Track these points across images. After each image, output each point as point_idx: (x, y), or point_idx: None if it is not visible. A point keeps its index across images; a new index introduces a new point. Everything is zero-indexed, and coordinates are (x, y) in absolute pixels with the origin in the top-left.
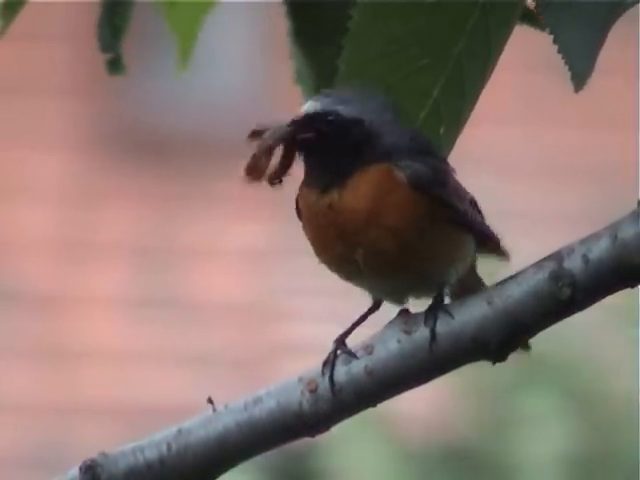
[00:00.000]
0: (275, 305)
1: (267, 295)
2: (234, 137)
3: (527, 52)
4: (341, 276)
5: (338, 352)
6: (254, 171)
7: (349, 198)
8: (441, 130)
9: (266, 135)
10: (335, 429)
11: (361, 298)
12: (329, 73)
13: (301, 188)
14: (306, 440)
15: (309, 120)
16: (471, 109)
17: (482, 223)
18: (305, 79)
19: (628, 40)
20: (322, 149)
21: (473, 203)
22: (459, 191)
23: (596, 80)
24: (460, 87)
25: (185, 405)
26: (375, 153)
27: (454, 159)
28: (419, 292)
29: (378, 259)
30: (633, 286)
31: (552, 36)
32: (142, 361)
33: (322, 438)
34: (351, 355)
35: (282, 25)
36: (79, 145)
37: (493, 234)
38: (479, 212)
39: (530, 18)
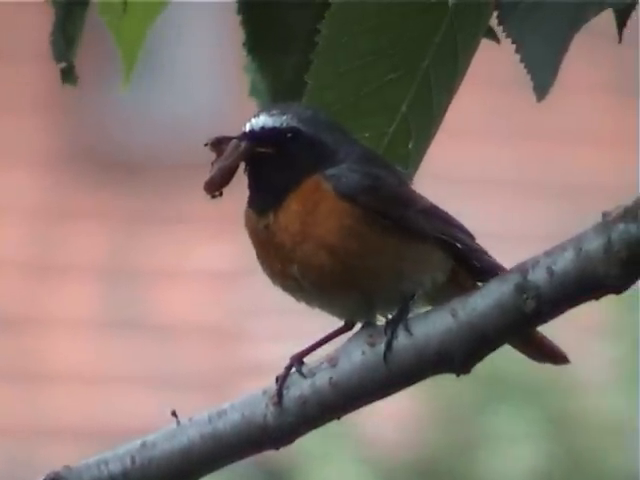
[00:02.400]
0: (241, 325)
1: (233, 315)
2: (201, 156)
3: (492, 68)
4: (286, 292)
5: (292, 369)
6: (216, 185)
7: (282, 219)
8: (410, 144)
9: (229, 149)
10: (309, 448)
11: (327, 318)
12: (284, 85)
13: (247, 207)
14: (282, 459)
15: (270, 134)
16: (439, 123)
17: (446, 232)
18: (260, 91)
19: (592, 57)
20: (277, 164)
21: (429, 212)
22: (402, 198)
23: (561, 96)
24: (428, 101)
25: (151, 426)
26: (317, 168)
27: (419, 174)
28: (377, 308)
29: (314, 274)
30: (598, 298)
31: (514, 46)
32: (107, 382)
33: (296, 457)
34: (302, 375)
35: None
36: (47, 163)
37: (465, 243)
38: (446, 223)
39: (487, 31)
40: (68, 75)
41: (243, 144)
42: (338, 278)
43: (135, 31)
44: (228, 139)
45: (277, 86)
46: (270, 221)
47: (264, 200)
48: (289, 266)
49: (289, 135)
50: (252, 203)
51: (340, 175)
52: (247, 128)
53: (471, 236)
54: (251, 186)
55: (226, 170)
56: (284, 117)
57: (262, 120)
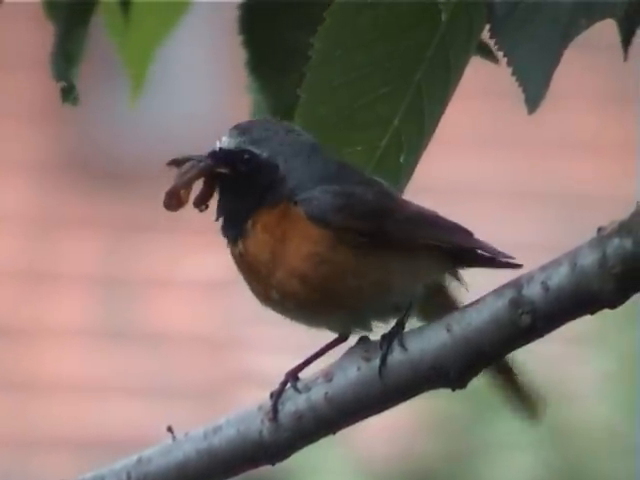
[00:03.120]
0: (234, 335)
1: (226, 325)
2: None
3: (488, 78)
4: (275, 312)
5: (287, 385)
6: (174, 201)
7: (252, 248)
8: (401, 157)
9: (186, 167)
10: (302, 460)
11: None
12: (285, 105)
13: None
14: (275, 472)
15: (226, 155)
16: (430, 136)
17: (434, 236)
18: (262, 111)
19: (590, 65)
20: (236, 186)
21: (413, 219)
22: (380, 211)
23: (557, 105)
24: (420, 114)
25: (146, 436)
26: (280, 193)
27: (414, 187)
28: (371, 319)
29: (292, 299)
30: (592, 313)
31: (506, 59)
32: (101, 392)
33: (290, 470)
34: (297, 391)
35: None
36: (40, 172)
37: (466, 242)
38: (434, 227)
39: (484, 50)
40: (68, 94)
41: (202, 163)
42: (317, 302)
43: (143, 49)
44: (183, 161)
45: (278, 107)
46: (241, 250)
47: (231, 228)
48: (270, 290)
49: (246, 157)
50: (223, 230)
51: (311, 198)
52: (213, 148)
53: (467, 232)
54: (219, 212)
55: (182, 186)
56: (240, 139)
57: (224, 141)
